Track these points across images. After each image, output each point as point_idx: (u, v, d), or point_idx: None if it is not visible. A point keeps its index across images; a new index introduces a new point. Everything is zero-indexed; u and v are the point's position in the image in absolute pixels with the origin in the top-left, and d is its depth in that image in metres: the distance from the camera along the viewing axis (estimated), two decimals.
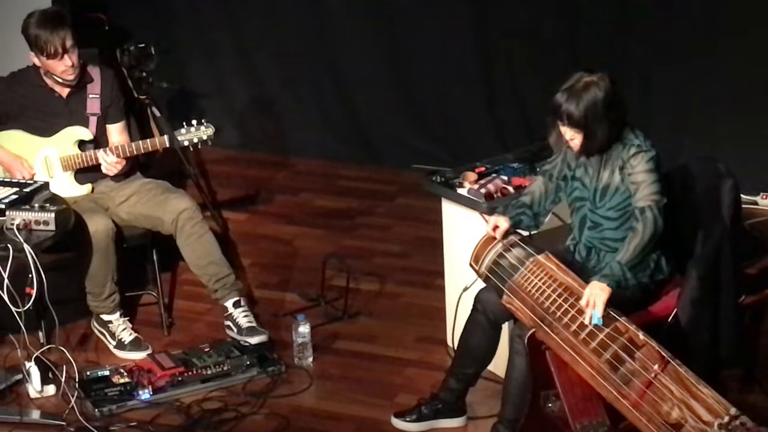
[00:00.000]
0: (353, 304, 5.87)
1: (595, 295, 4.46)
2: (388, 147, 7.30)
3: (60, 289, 5.15)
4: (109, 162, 5.54)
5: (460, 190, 5.28)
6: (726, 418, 4.24)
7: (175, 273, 6.11)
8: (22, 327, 4.93)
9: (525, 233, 4.86)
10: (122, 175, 5.65)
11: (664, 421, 4.30)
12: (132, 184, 5.68)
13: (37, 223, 4.93)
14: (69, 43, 5.42)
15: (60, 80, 5.51)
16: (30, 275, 4.84)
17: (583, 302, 4.47)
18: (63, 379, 5.16)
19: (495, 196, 5.18)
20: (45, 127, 5.58)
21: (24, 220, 4.91)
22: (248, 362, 5.37)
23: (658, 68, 6.60)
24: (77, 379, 5.18)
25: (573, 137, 4.61)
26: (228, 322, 5.63)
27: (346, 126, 7.37)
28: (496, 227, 4.77)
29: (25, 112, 5.59)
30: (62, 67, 5.47)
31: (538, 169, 5.26)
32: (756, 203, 5.82)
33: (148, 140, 5.63)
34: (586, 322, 4.45)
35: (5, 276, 4.82)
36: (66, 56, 5.44)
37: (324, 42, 7.28)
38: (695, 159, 4.94)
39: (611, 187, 4.65)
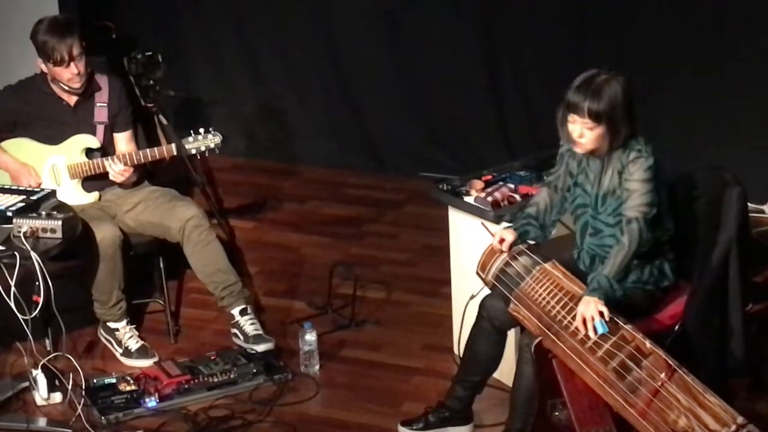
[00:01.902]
0: (360, 312, 5.87)
1: (590, 310, 4.45)
2: (395, 155, 7.29)
3: (67, 297, 5.15)
4: (117, 170, 5.54)
5: (467, 198, 5.28)
6: (733, 427, 4.23)
7: (182, 281, 6.11)
8: (29, 334, 4.94)
9: (532, 242, 4.86)
10: (130, 184, 5.66)
11: (671, 429, 4.30)
12: (139, 192, 5.68)
13: (44, 230, 4.93)
14: (76, 51, 5.43)
15: (67, 88, 5.52)
16: (37, 283, 4.85)
17: (578, 321, 4.46)
18: (69, 387, 5.16)
19: (502, 204, 5.18)
20: (52, 135, 5.58)
21: (31, 227, 4.91)
22: (255, 370, 5.37)
23: (666, 76, 6.58)
24: (84, 387, 5.18)
25: (582, 134, 4.55)
26: (234, 330, 5.63)
27: (354, 134, 7.37)
28: (502, 240, 4.77)
29: (33, 120, 5.59)
30: (68, 75, 5.47)
31: (545, 178, 5.26)
32: (763, 212, 5.80)
33: (155, 148, 5.63)
34: (591, 335, 4.44)
35: (12, 283, 4.82)
36: (72, 64, 5.44)
37: (331, 50, 7.28)
38: (702, 167, 4.93)
39: (611, 191, 4.64)
